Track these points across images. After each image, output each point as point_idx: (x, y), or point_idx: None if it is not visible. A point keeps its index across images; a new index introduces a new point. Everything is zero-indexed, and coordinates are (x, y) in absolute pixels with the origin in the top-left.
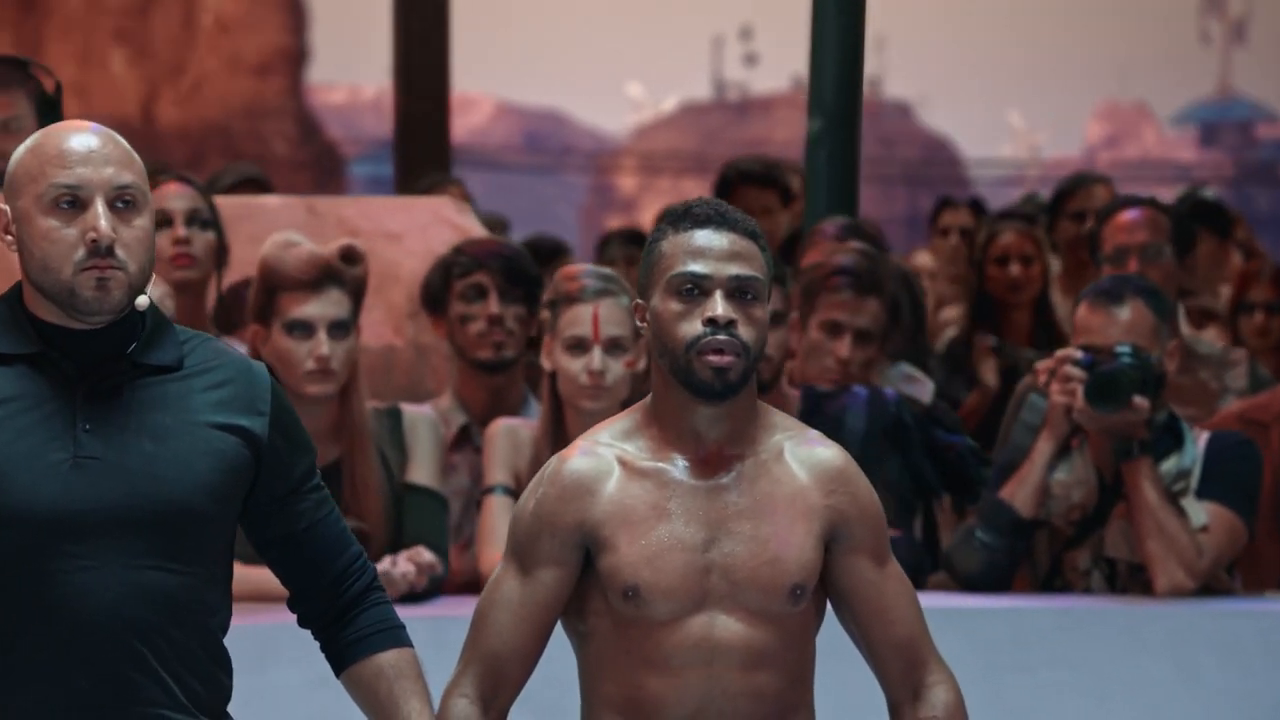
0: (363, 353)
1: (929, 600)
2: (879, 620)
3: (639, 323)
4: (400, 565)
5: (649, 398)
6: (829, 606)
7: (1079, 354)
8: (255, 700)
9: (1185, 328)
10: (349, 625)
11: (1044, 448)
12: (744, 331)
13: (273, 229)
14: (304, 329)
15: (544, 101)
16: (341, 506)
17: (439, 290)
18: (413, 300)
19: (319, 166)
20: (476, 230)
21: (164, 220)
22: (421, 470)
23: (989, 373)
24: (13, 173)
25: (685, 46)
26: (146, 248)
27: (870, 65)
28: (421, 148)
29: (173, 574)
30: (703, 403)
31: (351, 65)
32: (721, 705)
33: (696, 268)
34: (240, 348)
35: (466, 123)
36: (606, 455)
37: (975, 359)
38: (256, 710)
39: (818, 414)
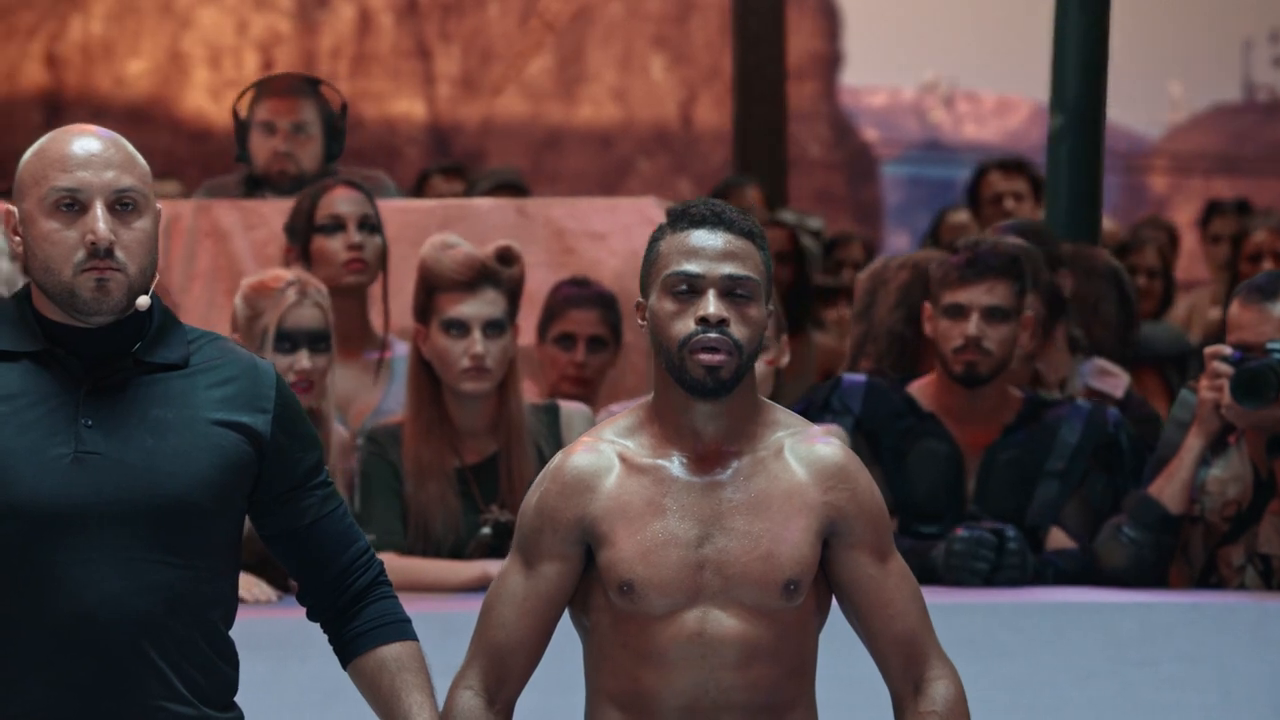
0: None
1: (1061, 594)
2: (879, 615)
3: (640, 321)
4: None
5: (651, 395)
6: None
7: (1228, 350)
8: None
9: None
10: (354, 619)
11: (1193, 444)
12: (737, 330)
13: (484, 230)
14: (460, 328)
15: None
16: (498, 500)
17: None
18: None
19: (851, 168)
20: None
21: (336, 225)
22: None
23: None
24: (19, 175)
25: (1217, 48)
26: (147, 249)
27: None
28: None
29: (173, 568)
30: (698, 400)
31: (886, 69)
32: (715, 698)
33: (690, 267)
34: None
35: (1004, 125)
36: (608, 451)
37: None
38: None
39: (1035, 420)
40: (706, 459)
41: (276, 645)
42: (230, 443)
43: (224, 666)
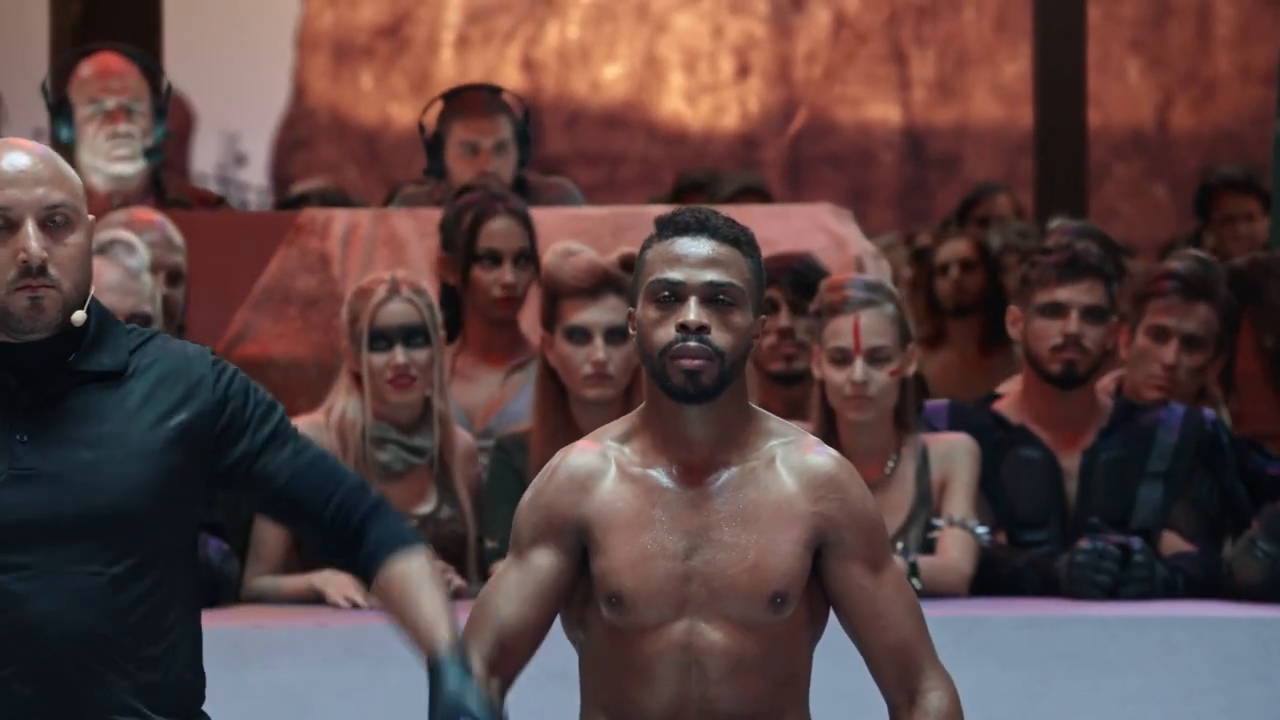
0: None
1: (1174, 608)
2: (873, 625)
3: (630, 330)
4: None
5: (644, 403)
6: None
7: None
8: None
9: None
10: (361, 546)
11: None
12: (718, 337)
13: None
14: (582, 335)
15: None
16: None
17: None
18: None
19: None
20: (854, 238)
21: (494, 259)
22: None
23: None
24: None
25: None
26: (80, 264)
27: None
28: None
29: (117, 580)
30: (684, 406)
31: None
32: (700, 709)
33: (672, 274)
34: None
35: None
36: (607, 454)
37: None
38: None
39: (1129, 423)
40: (696, 468)
41: (387, 651)
42: (171, 445)
43: (185, 674)
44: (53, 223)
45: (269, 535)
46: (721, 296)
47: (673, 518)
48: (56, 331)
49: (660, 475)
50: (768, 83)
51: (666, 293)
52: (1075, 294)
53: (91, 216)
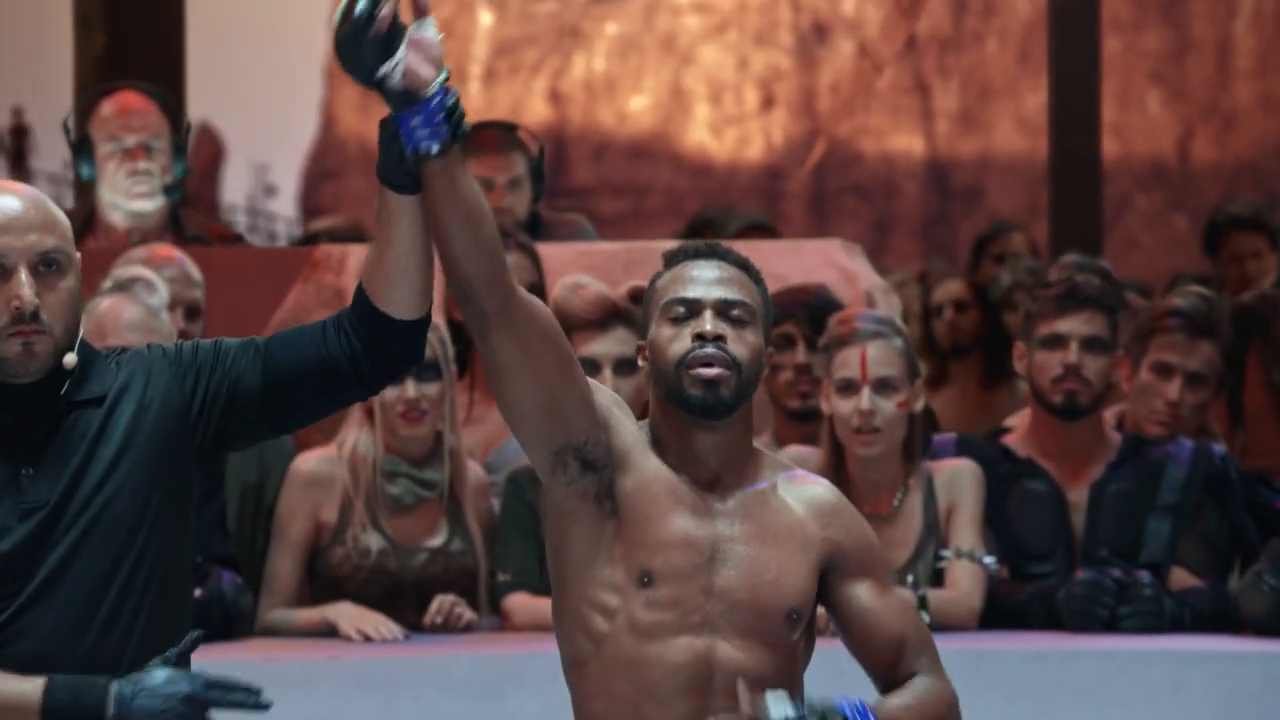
0: None
1: (1182, 642)
2: (882, 643)
3: (640, 362)
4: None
5: (649, 427)
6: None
7: None
8: None
9: None
10: (353, 327)
11: None
12: (735, 347)
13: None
14: (591, 366)
15: None
16: None
17: None
18: None
19: None
20: (865, 274)
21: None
22: None
23: None
24: None
25: None
26: (70, 308)
27: None
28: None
29: (129, 596)
30: (699, 423)
31: None
32: None
33: (686, 292)
34: None
35: None
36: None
37: None
38: None
39: (1138, 457)
40: (709, 488)
41: (399, 683)
42: (152, 442)
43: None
44: (45, 267)
45: (282, 569)
46: (735, 312)
47: (696, 523)
48: (48, 374)
49: (676, 480)
50: (792, 114)
51: (681, 309)
52: (1075, 325)
53: (139, 251)
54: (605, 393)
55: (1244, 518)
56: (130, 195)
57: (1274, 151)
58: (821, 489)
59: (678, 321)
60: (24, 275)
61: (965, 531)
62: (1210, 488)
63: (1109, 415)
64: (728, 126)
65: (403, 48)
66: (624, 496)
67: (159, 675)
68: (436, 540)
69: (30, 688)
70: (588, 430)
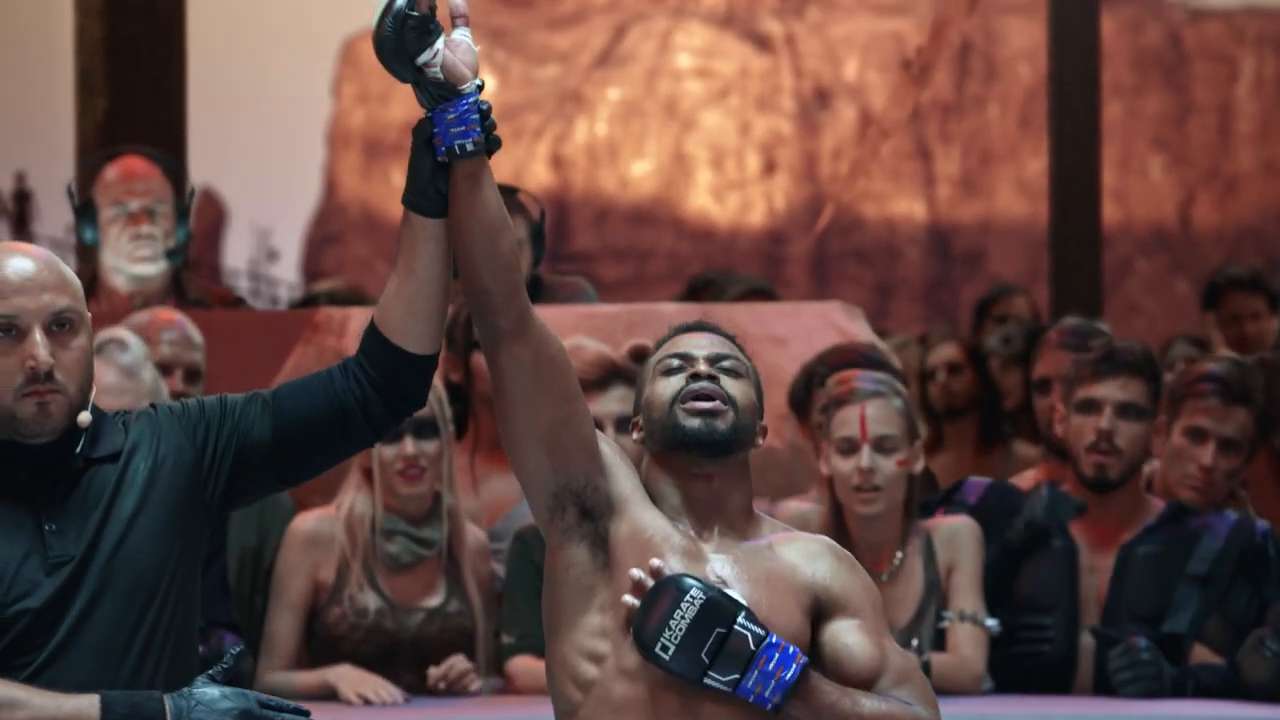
0: None
1: (1185, 708)
2: (849, 672)
3: (634, 435)
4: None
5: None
6: None
7: None
8: None
9: None
10: (363, 368)
11: None
12: (729, 387)
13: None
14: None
15: None
16: None
17: (802, 396)
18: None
19: None
20: (865, 336)
21: None
22: None
23: None
24: None
25: None
26: (84, 367)
27: None
28: (1073, 281)
29: (151, 640)
30: (696, 467)
31: None
32: None
33: (679, 350)
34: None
35: None
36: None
37: None
38: None
39: (1177, 523)
40: (703, 538)
41: None
42: (176, 499)
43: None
44: (58, 327)
45: (282, 630)
46: (727, 363)
47: (687, 568)
48: (63, 434)
49: (670, 529)
50: (794, 179)
51: (675, 361)
52: (1111, 390)
53: (142, 315)
54: (610, 443)
55: (1276, 598)
56: (133, 259)
57: (1276, 216)
58: (817, 541)
59: (670, 373)
60: (38, 335)
61: (966, 593)
62: (1245, 564)
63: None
64: (730, 191)
65: (440, 40)
66: (616, 544)
67: (211, 691)
68: (434, 600)
69: (87, 704)
70: (588, 474)
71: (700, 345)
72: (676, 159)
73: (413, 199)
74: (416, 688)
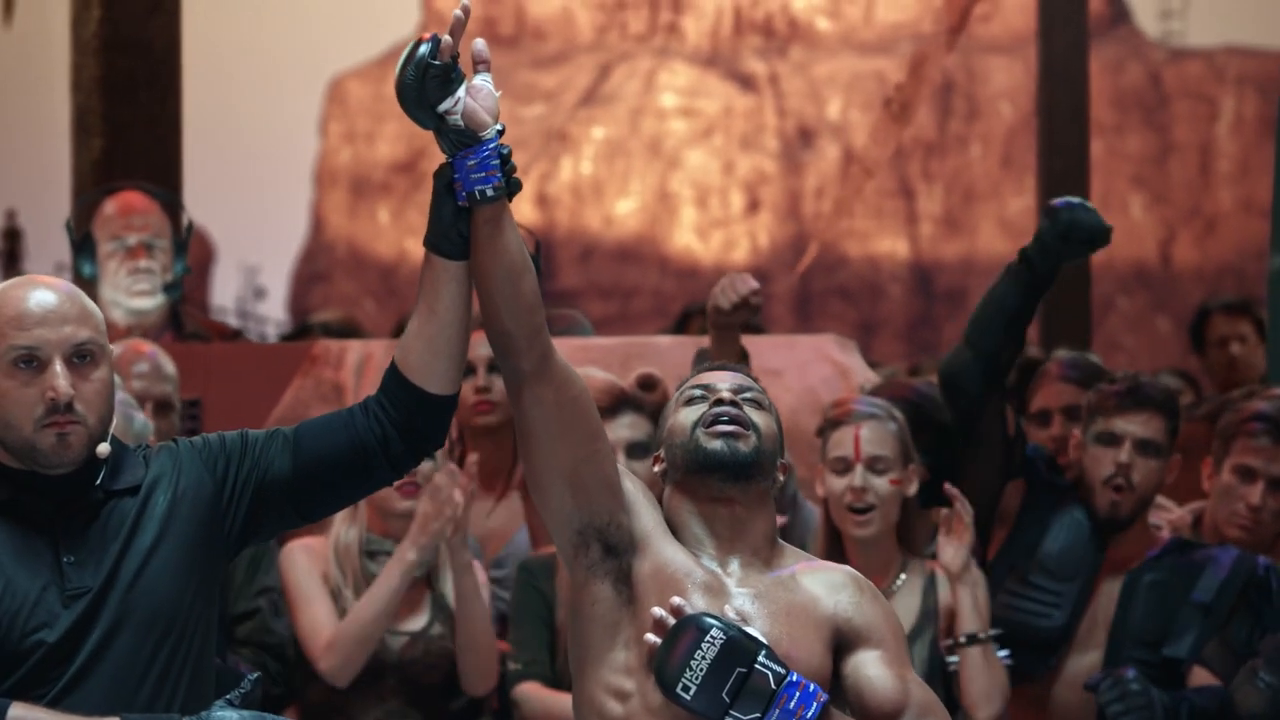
0: None
1: None
2: (871, 706)
3: (655, 468)
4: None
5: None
6: None
7: None
8: None
9: None
10: (383, 408)
11: None
12: (752, 414)
13: (663, 366)
14: None
15: None
16: None
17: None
18: (786, 435)
19: None
20: (858, 369)
21: (468, 369)
22: None
23: None
24: None
25: None
26: (105, 399)
27: None
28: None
29: (166, 671)
30: (719, 493)
31: None
32: None
33: (703, 382)
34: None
35: None
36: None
37: None
38: None
39: (1180, 555)
40: (725, 570)
41: None
42: (196, 533)
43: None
44: (79, 359)
45: (320, 618)
46: (749, 394)
47: (709, 603)
48: (83, 465)
49: (693, 564)
50: (778, 217)
51: (697, 391)
52: (1132, 425)
53: (114, 347)
54: (633, 480)
55: (1275, 628)
56: (131, 293)
57: (1255, 255)
58: (840, 572)
59: (693, 402)
60: (59, 367)
61: (973, 620)
62: (1248, 595)
63: (1185, 514)
64: (714, 229)
65: (462, 88)
66: (639, 580)
67: (230, 715)
68: (418, 624)
69: None
70: (611, 511)
71: (723, 379)
72: (661, 197)
73: (435, 241)
74: (398, 713)
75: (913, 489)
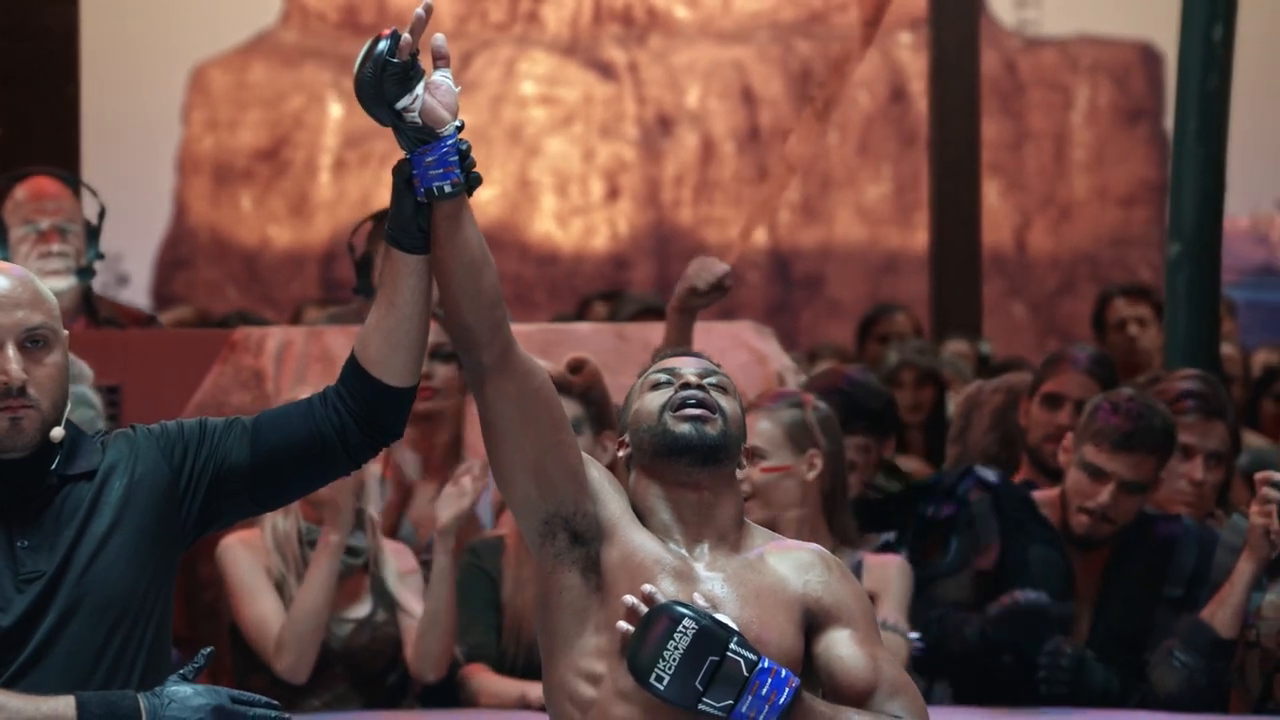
0: None
1: (1114, 717)
2: (844, 685)
3: (619, 453)
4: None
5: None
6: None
7: (1278, 475)
8: None
9: None
10: (342, 399)
11: (1245, 569)
12: (719, 399)
13: (583, 352)
14: None
15: None
16: None
17: None
18: None
19: None
20: (774, 354)
21: None
22: None
23: None
24: None
25: None
26: (58, 383)
27: None
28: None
29: (120, 655)
30: (685, 476)
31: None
32: None
33: (668, 367)
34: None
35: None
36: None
37: None
38: None
39: (1145, 539)
40: (693, 554)
41: None
42: (151, 520)
43: None
44: (32, 343)
45: (269, 613)
46: (715, 379)
47: (679, 589)
48: (36, 449)
49: (661, 550)
50: (637, 205)
51: (663, 376)
52: (1123, 468)
53: (66, 332)
54: (597, 467)
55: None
56: (42, 275)
57: (1110, 242)
58: (808, 551)
59: (659, 386)
60: (11, 351)
61: (890, 609)
62: (1215, 579)
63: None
64: (573, 217)
65: (420, 85)
66: (608, 568)
67: (184, 689)
68: (361, 611)
69: (63, 705)
70: (577, 500)
71: (688, 364)
72: (521, 185)
73: (395, 236)
74: (347, 699)
75: (810, 475)
